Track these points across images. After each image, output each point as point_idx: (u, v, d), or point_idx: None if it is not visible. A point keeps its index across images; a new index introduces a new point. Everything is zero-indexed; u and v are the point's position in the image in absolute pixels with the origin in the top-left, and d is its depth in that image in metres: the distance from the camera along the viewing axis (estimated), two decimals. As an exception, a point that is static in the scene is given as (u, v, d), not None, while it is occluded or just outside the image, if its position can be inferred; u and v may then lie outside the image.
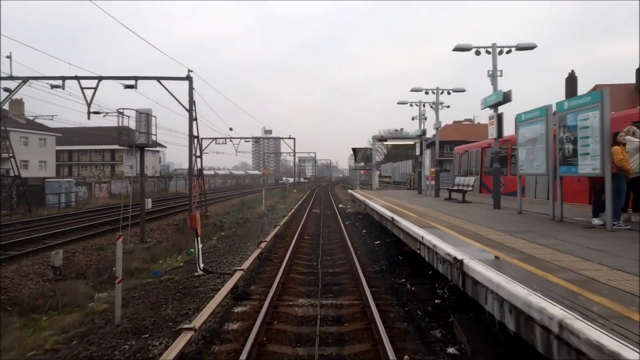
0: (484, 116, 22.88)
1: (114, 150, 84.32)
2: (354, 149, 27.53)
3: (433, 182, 21.42)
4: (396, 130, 23.79)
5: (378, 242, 13.83)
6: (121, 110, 16.17)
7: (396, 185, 52.36)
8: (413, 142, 25.07)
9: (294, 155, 62.24)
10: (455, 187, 15.25)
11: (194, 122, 24.37)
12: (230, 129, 41.06)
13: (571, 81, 36.12)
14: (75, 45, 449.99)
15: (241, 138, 60.38)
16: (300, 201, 35.55)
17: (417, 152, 20.36)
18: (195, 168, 25.94)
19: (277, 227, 15.29)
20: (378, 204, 13.97)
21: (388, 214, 10.70)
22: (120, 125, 16.70)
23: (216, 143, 61.66)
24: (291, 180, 73.02)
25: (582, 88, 35.96)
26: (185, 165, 79.25)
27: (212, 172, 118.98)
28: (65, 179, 34.14)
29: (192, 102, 23.80)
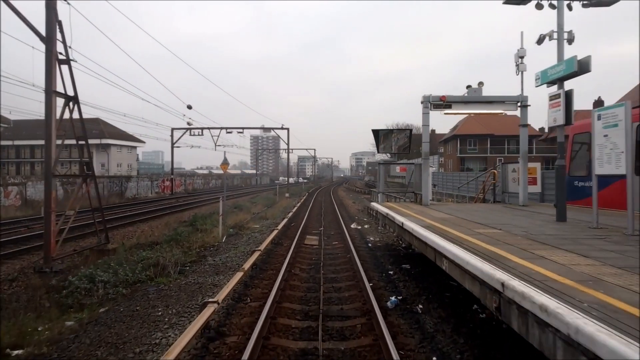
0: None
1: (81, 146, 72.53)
2: (374, 131, 15.50)
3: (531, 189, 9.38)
4: (469, 86, 11.58)
5: None
6: None
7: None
8: (502, 112, 13.09)
9: (288, 151, 50.11)
10: None
11: (65, 67, 12.30)
12: (189, 107, 28.93)
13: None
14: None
15: (221, 128, 48.38)
16: (291, 214, 23.49)
17: (560, 122, 8.34)
18: (80, 160, 13.96)
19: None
20: None
21: None
22: None
23: (191, 134, 49.90)
24: (287, 180, 60.54)
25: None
26: (185, 164, 65.90)
27: (207, 172, 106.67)
28: None
29: (54, 24, 11.70)
